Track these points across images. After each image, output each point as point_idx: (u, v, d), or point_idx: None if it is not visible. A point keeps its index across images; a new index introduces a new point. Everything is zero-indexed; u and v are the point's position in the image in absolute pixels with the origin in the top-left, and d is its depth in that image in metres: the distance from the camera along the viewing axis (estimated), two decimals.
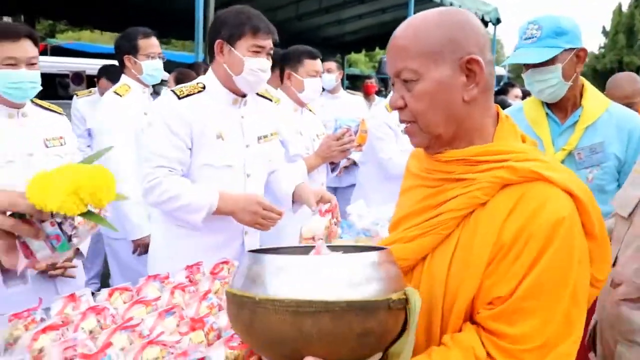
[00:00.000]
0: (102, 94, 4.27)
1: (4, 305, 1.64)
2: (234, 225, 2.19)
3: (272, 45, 2.20)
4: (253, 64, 2.14)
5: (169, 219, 2.22)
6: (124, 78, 3.07)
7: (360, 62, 27.07)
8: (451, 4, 9.80)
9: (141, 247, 2.91)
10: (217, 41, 2.15)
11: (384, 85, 10.36)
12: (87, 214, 0.99)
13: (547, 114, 2.33)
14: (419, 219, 1.21)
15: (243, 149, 2.25)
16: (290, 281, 0.94)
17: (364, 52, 14.02)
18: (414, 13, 6.19)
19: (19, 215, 0.98)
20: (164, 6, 8.67)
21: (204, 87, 2.20)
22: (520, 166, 1.10)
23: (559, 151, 2.26)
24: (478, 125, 1.18)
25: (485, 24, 12.00)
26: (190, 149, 2.14)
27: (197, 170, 2.16)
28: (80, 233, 1.07)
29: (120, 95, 2.95)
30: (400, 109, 1.19)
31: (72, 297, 1.65)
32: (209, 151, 2.16)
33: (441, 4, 9.52)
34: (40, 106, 2.35)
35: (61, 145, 2.30)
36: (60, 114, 2.42)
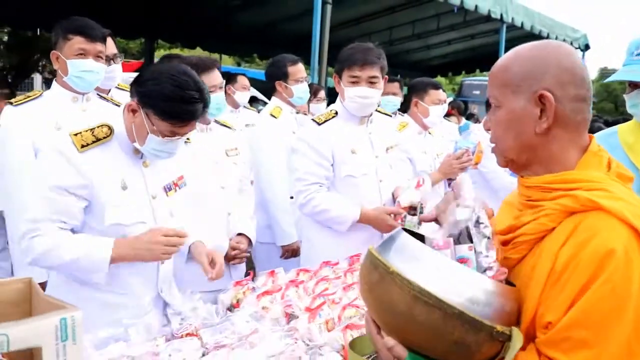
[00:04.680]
0: None
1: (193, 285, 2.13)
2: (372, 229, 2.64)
3: (371, 75, 2.53)
4: (352, 92, 2.57)
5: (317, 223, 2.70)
6: (275, 101, 3.47)
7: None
8: (540, 32, 9.98)
9: (289, 252, 3.26)
10: (334, 75, 2.64)
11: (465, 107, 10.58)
12: None
13: None
14: (502, 238, 1.25)
15: (374, 159, 2.70)
16: (425, 270, 1.07)
17: (449, 75, 14.34)
18: (505, 40, 6.58)
19: None
20: (272, 30, 9.40)
21: (336, 113, 2.69)
22: (581, 194, 1.11)
23: None
24: (557, 156, 1.20)
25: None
26: (332, 165, 2.62)
27: (341, 180, 2.63)
28: None
29: (275, 117, 3.38)
30: (488, 130, 1.31)
31: (272, 273, 2.15)
32: (347, 164, 2.62)
33: (530, 32, 9.71)
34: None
35: None
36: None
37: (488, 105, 1.35)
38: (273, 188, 3.24)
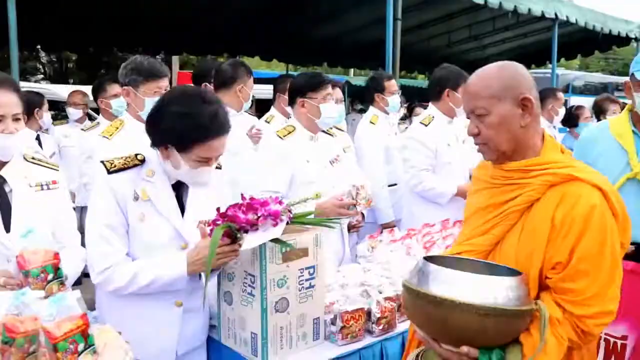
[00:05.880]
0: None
1: None
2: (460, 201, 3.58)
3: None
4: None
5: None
6: (373, 110, 4.40)
7: None
8: (594, 27, 10.46)
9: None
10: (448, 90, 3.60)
11: None
12: None
13: (633, 131, 2.66)
14: (489, 215, 1.64)
15: (461, 149, 3.67)
16: (479, 292, 1.37)
17: None
18: (558, 37, 7.25)
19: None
20: (340, 41, 10.35)
21: (433, 117, 3.66)
22: (560, 172, 1.53)
23: None
24: (531, 143, 1.60)
25: (629, 40, 12.37)
26: (435, 155, 3.60)
27: (441, 167, 3.63)
28: None
29: (374, 123, 4.30)
30: (475, 135, 1.62)
31: (391, 230, 3.12)
32: (446, 154, 3.60)
33: (584, 28, 10.22)
34: None
35: None
36: None
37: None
38: (374, 180, 3.99)
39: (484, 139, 1.61)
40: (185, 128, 1.90)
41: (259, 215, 1.87)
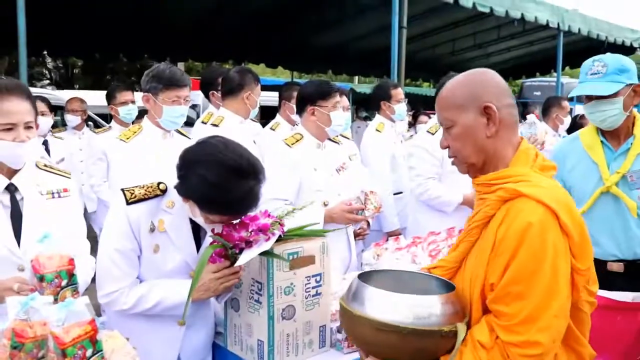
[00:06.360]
0: None
1: None
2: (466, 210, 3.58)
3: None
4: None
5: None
6: (379, 118, 4.40)
7: None
8: (598, 36, 10.50)
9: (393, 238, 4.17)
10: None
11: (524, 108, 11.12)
12: None
13: (602, 141, 2.59)
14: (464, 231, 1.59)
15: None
16: (377, 307, 1.42)
17: (510, 80, 14.89)
18: (563, 45, 7.38)
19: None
20: (345, 49, 10.39)
21: (439, 126, 3.63)
22: (509, 187, 1.43)
23: (614, 174, 2.52)
24: (501, 154, 1.51)
25: (634, 49, 12.40)
26: (441, 163, 3.57)
27: (447, 176, 3.60)
28: None
29: (380, 131, 4.29)
30: (446, 148, 1.58)
31: (396, 238, 3.12)
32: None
33: (587, 37, 10.27)
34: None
35: None
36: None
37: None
38: (380, 187, 3.98)
39: (453, 152, 1.57)
40: (212, 199, 1.80)
41: (250, 230, 1.87)
